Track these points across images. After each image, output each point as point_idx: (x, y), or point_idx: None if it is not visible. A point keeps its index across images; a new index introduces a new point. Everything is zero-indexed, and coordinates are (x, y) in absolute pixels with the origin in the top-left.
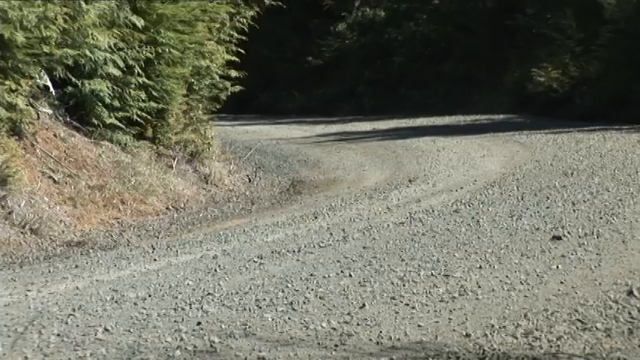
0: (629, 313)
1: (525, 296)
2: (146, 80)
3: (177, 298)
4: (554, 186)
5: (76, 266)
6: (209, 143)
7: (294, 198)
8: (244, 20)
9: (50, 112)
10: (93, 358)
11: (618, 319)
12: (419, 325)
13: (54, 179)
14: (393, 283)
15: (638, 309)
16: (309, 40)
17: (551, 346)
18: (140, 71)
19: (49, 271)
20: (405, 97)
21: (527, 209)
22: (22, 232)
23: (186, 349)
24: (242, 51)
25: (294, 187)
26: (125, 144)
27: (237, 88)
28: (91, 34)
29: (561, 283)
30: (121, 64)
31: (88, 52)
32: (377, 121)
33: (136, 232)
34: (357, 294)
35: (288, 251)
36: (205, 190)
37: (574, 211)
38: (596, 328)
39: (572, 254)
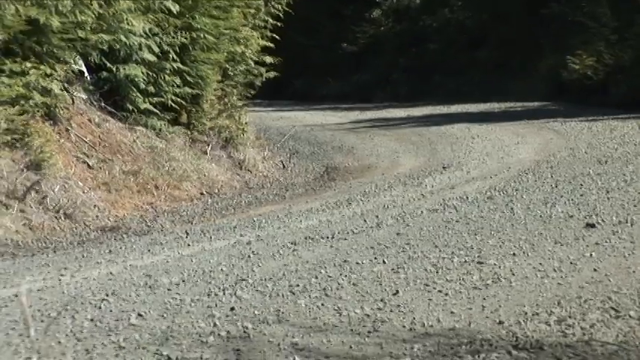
0: None
1: (559, 284)
2: (181, 66)
3: (210, 283)
4: (588, 174)
5: (110, 251)
6: (243, 129)
7: (328, 184)
8: (279, 6)
9: (85, 97)
10: (126, 343)
11: None
12: (452, 312)
13: (88, 164)
14: (426, 270)
15: None
16: (344, 27)
17: (584, 334)
18: (175, 57)
19: (83, 256)
20: (440, 84)
21: (561, 197)
22: (56, 217)
23: (219, 334)
24: (277, 37)
25: (328, 174)
26: (159, 129)
27: (272, 74)
28: (126, 19)
29: (595, 270)
30: (156, 49)
31: (123, 38)
32: (411, 108)
33: (169, 217)
34: (391, 280)
35: (321, 237)
36: (239, 175)
37: (608, 199)
38: (630, 316)
39: (605, 242)
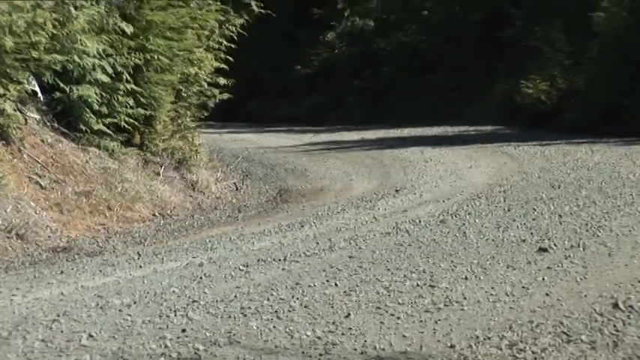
0: (614, 326)
1: (511, 308)
2: (134, 87)
3: (162, 305)
4: (541, 198)
5: (62, 272)
6: (196, 150)
7: (281, 206)
8: (233, 28)
9: (38, 117)
10: None
11: (603, 331)
12: (404, 336)
13: (41, 185)
14: (378, 293)
15: (624, 322)
16: (298, 49)
17: (535, 358)
18: (128, 78)
19: (35, 277)
20: (394, 107)
21: (514, 221)
22: (8, 237)
23: (170, 356)
24: (231, 59)
25: (281, 196)
26: (112, 150)
27: (226, 95)
28: (80, 39)
29: (547, 295)
30: (110, 70)
31: (76, 58)
32: (365, 130)
33: (122, 238)
34: (343, 303)
35: (274, 259)
36: (192, 197)
37: (560, 223)
38: (581, 341)
39: (558, 266)
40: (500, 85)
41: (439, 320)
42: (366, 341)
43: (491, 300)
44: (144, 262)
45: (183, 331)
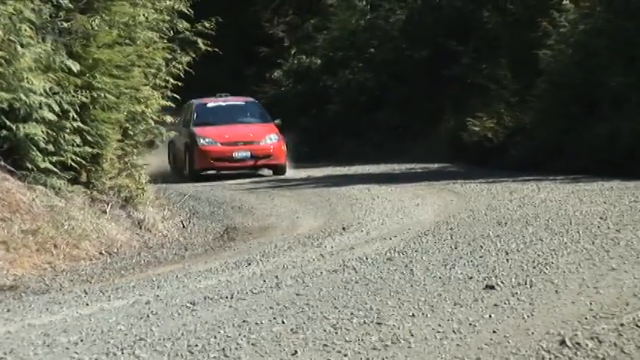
0: None
1: (458, 345)
2: (81, 125)
3: (109, 343)
4: (487, 235)
5: (8, 310)
6: (143, 189)
7: (228, 244)
8: (180, 66)
9: None
10: None
11: None
12: None
13: None
14: (325, 331)
15: (570, 359)
16: (245, 87)
17: None
18: (75, 116)
19: None
20: (340, 144)
21: (461, 258)
22: None
23: None
24: (177, 97)
25: (228, 234)
26: (59, 188)
27: (173, 133)
28: (27, 77)
29: (494, 332)
30: (56, 108)
31: (23, 96)
32: (312, 168)
33: (68, 276)
34: (290, 341)
35: (220, 297)
36: (139, 235)
37: (507, 260)
38: None
39: (505, 303)
40: (447, 123)
41: (386, 358)
42: None
43: (438, 337)
44: (91, 300)
45: None
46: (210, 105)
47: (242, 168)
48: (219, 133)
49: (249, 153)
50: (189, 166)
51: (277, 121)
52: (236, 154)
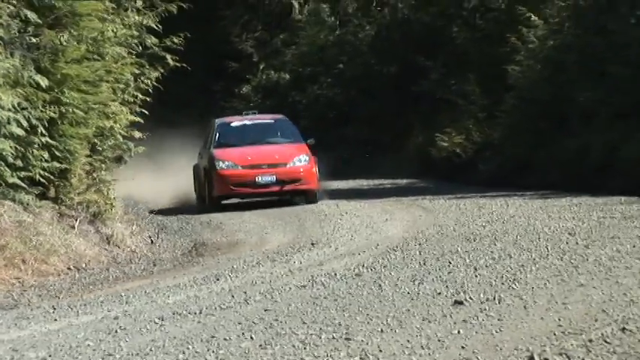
0: None
1: None
2: (49, 140)
3: (77, 358)
4: (456, 251)
5: None
6: (112, 204)
7: (196, 260)
8: (149, 81)
9: None
10: None
11: None
12: None
13: None
14: (294, 346)
15: None
16: (213, 102)
17: None
18: (43, 131)
19: None
20: None
21: (429, 274)
22: None
23: None
24: (146, 112)
25: (197, 249)
26: (27, 204)
27: (141, 149)
28: None
29: (462, 348)
30: (25, 123)
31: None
32: None
33: (37, 292)
34: (258, 356)
35: (189, 313)
36: (107, 250)
37: (476, 276)
38: None
39: (473, 319)
40: (416, 138)
41: None
42: None
43: (406, 353)
44: (59, 316)
45: None
46: (234, 124)
47: (267, 194)
48: (241, 155)
49: (274, 177)
50: (208, 192)
51: (310, 141)
52: (259, 179)
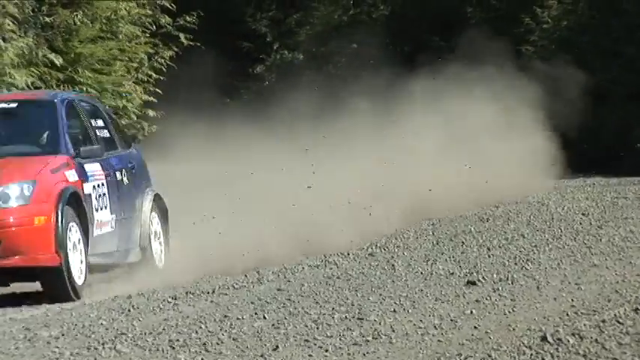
0: (543, 359)
1: (439, 341)
2: None
3: (90, 337)
4: (469, 231)
5: None
6: None
7: None
8: (162, 61)
9: None
10: None
11: None
12: None
13: None
14: (306, 326)
15: (552, 355)
16: (227, 82)
17: None
18: None
19: None
20: None
21: (443, 254)
22: None
23: None
24: (159, 91)
25: None
26: None
27: (155, 127)
28: (9, 72)
29: (475, 328)
30: None
31: (5, 91)
32: None
33: None
34: (271, 336)
35: (202, 292)
36: None
37: (489, 256)
38: None
39: (486, 299)
40: None
41: (367, 353)
42: None
43: (419, 333)
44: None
45: None
46: None
47: None
48: None
49: None
50: None
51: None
52: None
